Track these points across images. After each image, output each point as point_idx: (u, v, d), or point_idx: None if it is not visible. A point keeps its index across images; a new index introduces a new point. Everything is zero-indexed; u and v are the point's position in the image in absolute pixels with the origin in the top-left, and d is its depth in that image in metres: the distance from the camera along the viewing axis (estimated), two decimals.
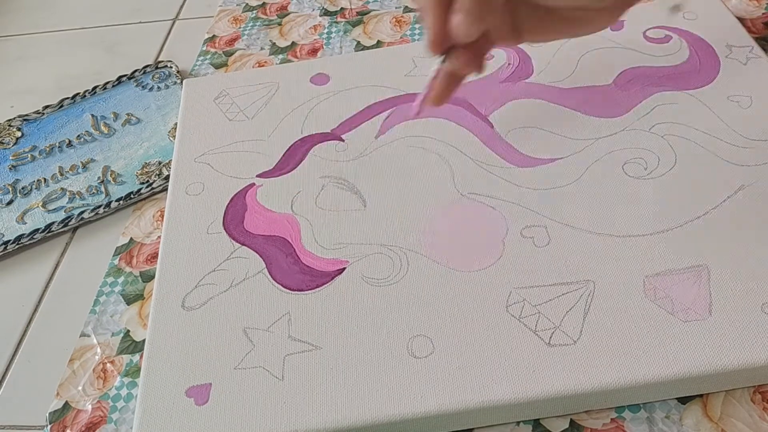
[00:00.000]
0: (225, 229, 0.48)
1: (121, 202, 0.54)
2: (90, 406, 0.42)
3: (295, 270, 0.44)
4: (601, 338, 0.38)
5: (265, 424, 0.37)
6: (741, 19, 0.57)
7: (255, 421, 0.37)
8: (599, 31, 0.36)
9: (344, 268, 0.44)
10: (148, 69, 0.67)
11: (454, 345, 0.39)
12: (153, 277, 0.47)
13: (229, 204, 0.49)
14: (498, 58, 0.57)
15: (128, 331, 0.46)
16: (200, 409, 0.38)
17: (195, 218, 0.49)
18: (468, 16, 0.32)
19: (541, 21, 0.35)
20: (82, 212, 0.54)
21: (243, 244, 0.46)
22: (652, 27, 0.57)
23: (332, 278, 0.43)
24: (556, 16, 0.35)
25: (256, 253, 0.46)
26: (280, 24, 0.70)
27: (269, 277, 0.44)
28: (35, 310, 0.49)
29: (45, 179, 0.58)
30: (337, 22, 0.68)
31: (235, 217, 0.48)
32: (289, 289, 0.43)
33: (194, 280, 0.45)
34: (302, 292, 0.43)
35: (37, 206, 0.55)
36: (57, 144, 0.61)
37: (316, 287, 0.43)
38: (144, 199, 0.55)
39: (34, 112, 0.64)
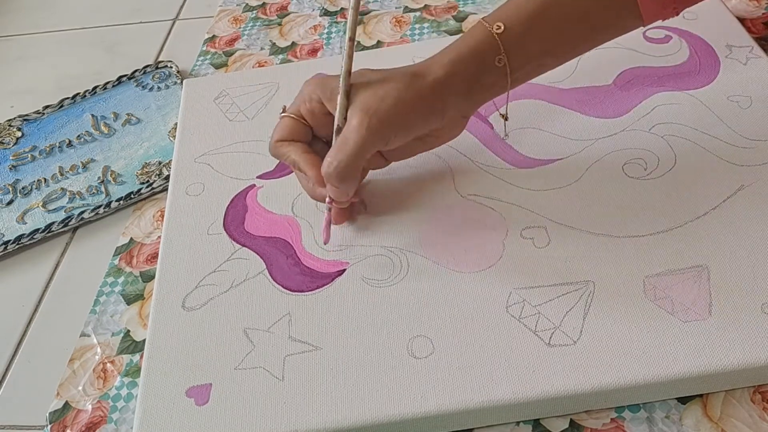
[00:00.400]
0: (225, 230, 0.48)
1: (121, 202, 0.54)
2: (90, 406, 0.42)
3: (295, 271, 0.44)
4: (601, 338, 0.38)
5: (265, 424, 0.37)
6: (741, 19, 0.57)
7: (255, 422, 0.37)
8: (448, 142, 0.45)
9: (344, 270, 0.44)
10: (148, 69, 0.67)
11: (454, 345, 0.39)
12: (153, 277, 0.47)
13: (229, 205, 0.49)
14: None
15: (128, 331, 0.46)
16: (200, 409, 0.38)
17: (195, 219, 0.49)
18: (336, 193, 0.42)
19: (403, 150, 0.44)
20: (82, 212, 0.54)
21: (243, 245, 0.46)
22: (652, 27, 0.57)
23: (332, 279, 0.43)
24: (415, 143, 0.43)
25: (257, 254, 0.46)
26: (280, 24, 0.70)
27: (270, 278, 0.44)
28: (35, 310, 0.49)
29: (45, 179, 0.58)
30: (337, 22, 0.68)
31: (235, 218, 0.48)
32: (290, 290, 0.43)
33: (195, 280, 0.45)
34: (303, 293, 0.43)
35: (37, 206, 0.55)
36: (57, 144, 0.61)
37: (317, 288, 0.43)
38: (144, 199, 0.55)
39: (34, 112, 0.64)
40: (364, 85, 0.41)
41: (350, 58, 0.41)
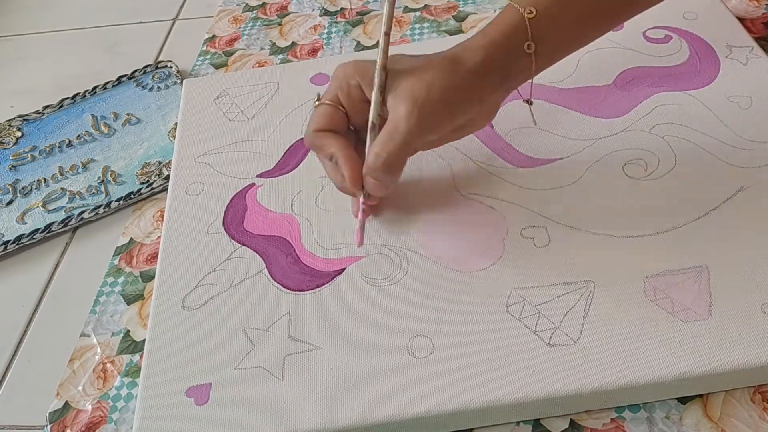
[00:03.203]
0: (225, 229, 0.48)
1: (121, 202, 0.54)
2: (90, 406, 0.42)
3: (295, 270, 0.44)
4: (601, 338, 0.38)
5: (265, 424, 0.37)
6: (741, 19, 0.57)
7: (255, 421, 0.37)
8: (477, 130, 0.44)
9: (344, 268, 0.44)
10: (148, 69, 0.67)
11: (454, 345, 0.39)
12: (153, 277, 0.47)
13: (229, 204, 0.49)
14: None
15: (128, 331, 0.46)
16: (200, 409, 0.38)
17: (195, 218, 0.49)
18: (378, 187, 0.40)
19: (435, 142, 0.42)
20: (82, 212, 0.54)
21: (243, 244, 0.46)
22: (652, 27, 0.57)
23: (332, 278, 0.43)
24: (448, 133, 0.41)
25: (256, 253, 0.46)
26: (280, 24, 0.70)
27: (269, 277, 0.44)
28: (35, 310, 0.49)
29: (45, 179, 0.58)
30: (337, 22, 0.68)
31: (235, 217, 0.48)
32: (289, 289, 0.43)
33: (194, 280, 0.45)
34: (302, 292, 0.43)
35: (37, 206, 0.55)
36: (57, 144, 0.61)
37: (316, 287, 0.43)
38: (144, 199, 0.55)
39: (34, 112, 0.64)
40: (405, 73, 0.39)
41: (386, 53, 0.40)
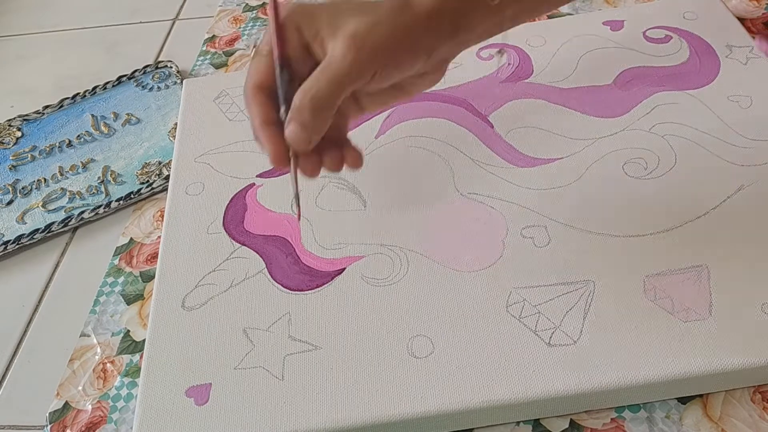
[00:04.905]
0: (225, 229, 0.48)
1: (121, 202, 0.54)
2: (90, 406, 0.42)
3: (295, 270, 0.44)
4: (601, 338, 0.38)
5: (265, 424, 0.37)
6: (741, 19, 0.57)
7: (255, 421, 0.37)
8: (426, 90, 0.39)
9: (344, 268, 0.44)
10: (148, 69, 0.67)
11: (454, 345, 0.39)
12: (153, 277, 0.47)
13: (229, 204, 0.49)
14: None
15: (128, 331, 0.46)
16: (200, 409, 0.38)
17: (195, 218, 0.49)
18: (302, 133, 0.35)
19: (380, 97, 0.38)
20: (82, 212, 0.54)
21: (243, 244, 0.46)
22: (652, 27, 0.57)
23: (332, 278, 0.43)
24: (392, 90, 0.37)
25: (256, 253, 0.46)
26: None
27: (269, 277, 0.44)
28: (35, 310, 0.49)
29: (45, 179, 0.58)
30: None
31: (235, 217, 0.48)
32: (289, 289, 0.43)
33: (194, 280, 0.45)
34: (302, 292, 0.43)
35: (37, 206, 0.55)
36: (57, 144, 0.61)
37: (316, 287, 0.43)
38: (144, 199, 0.55)
39: (34, 112, 0.64)
40: (349, 12, 0.34)
41: None
